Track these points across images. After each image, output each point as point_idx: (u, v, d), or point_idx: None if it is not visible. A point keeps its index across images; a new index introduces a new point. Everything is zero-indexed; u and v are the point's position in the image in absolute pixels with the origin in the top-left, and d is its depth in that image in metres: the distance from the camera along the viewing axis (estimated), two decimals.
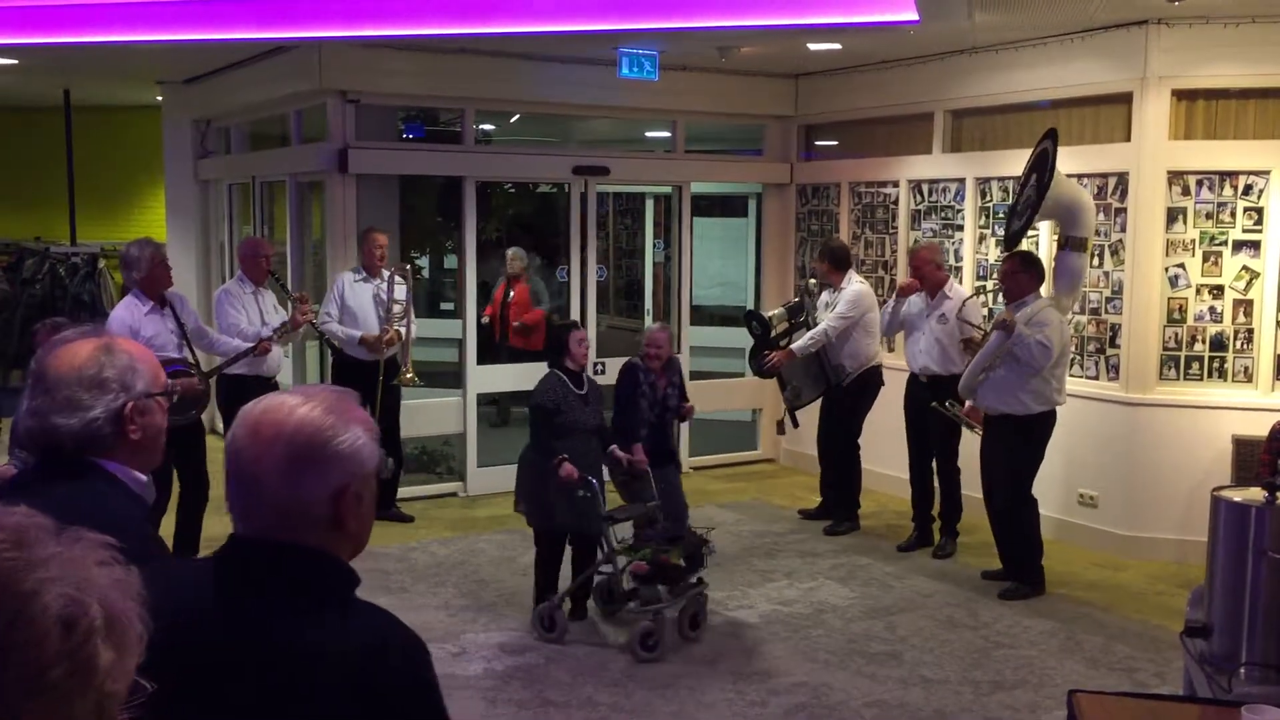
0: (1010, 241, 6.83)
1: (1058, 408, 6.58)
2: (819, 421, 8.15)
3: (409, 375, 7.71)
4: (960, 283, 8.18)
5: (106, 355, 2.23)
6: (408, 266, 7.94)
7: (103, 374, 2.20)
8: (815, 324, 7.79)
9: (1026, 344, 6.32)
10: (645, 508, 6.12)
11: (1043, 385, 6.46)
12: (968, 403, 6.93)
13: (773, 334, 7.91)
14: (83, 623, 0.92)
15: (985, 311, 7.54)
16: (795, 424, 8.15)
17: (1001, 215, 7.79)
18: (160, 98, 11.10)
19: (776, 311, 8.10)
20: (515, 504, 6.29)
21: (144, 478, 2.26)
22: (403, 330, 7.70)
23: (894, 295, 7.65)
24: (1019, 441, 6.56)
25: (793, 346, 7.72)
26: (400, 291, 7.76)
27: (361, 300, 7.75)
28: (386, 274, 7.81)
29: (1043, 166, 6.61)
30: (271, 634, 1.64)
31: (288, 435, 1.71)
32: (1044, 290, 6.77)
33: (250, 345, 6.92)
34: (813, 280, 7.98)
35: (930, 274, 7.38)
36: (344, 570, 1.75)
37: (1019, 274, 6.61)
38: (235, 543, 1.74)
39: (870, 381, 7.85)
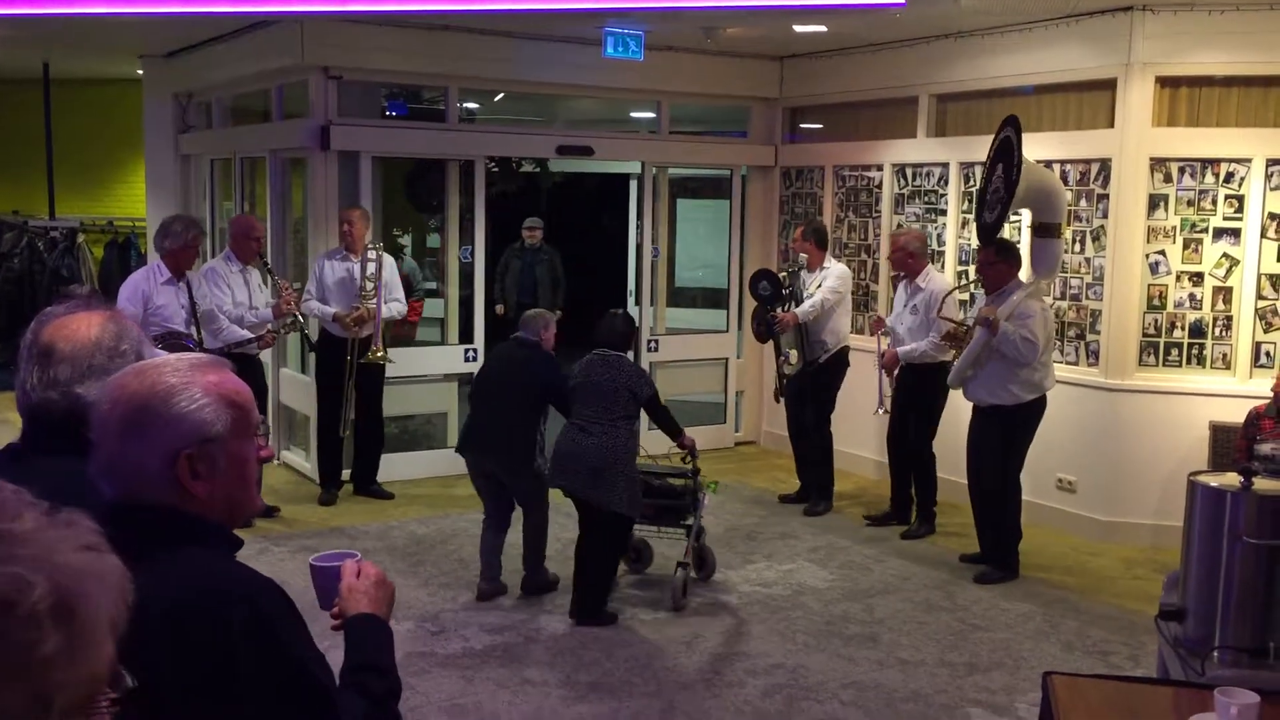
0: (987, 234, 6.80)
1: (1047, 393, 6.61)
2: (787, 405, 8.18)
3: (379, 353, 7.66)
4: (942, 268, 8.21)
5: (117, 325, 2.23)
6: (380, 244, 7.89)
7: (120, 344, 2.21)
8: (801, 299, 7.81)
9: (1012, 341, 6.34)
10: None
11: (1031, 374, 6.49)
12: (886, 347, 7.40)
13: (784, 293, 7.89)
14: (22, 605, 0.87)
15: (967, 298, 7.55)
16: (780, 398, 8.17)
17: None
18: (141, 71, 10.99)
19: (784, 275, 8.04)
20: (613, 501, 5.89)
21: None
22: (373, 308, 7.64)
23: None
24: (1009, 430, 6.58)
25: (796, 311, 7.73)
26: (372, 269, 7.71)
27: (338, 278, 7.73)
28: (372, 252, 7.79)
29: (1008, 156, 6.57)
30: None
31: (125, 398, 1.71)
32: (1024, 275, 6.78)
33: (254, 337, 7.00)
34: (803, 256, 7.98)
35: (899, 261, 7.46)
36: (198, 527, 1.73)
37: (997, 264, 6.61)
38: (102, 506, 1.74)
39: (842, 361, 7.90)
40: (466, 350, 8.94)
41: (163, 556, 1.66)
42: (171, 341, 6.38)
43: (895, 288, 8.01)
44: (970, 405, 6.81)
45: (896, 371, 7.38)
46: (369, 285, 7.68)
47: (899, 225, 8.74)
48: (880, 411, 7.44)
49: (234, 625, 1.63)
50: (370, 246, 7.76)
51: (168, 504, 1.71)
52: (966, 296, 7.61)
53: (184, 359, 1.80)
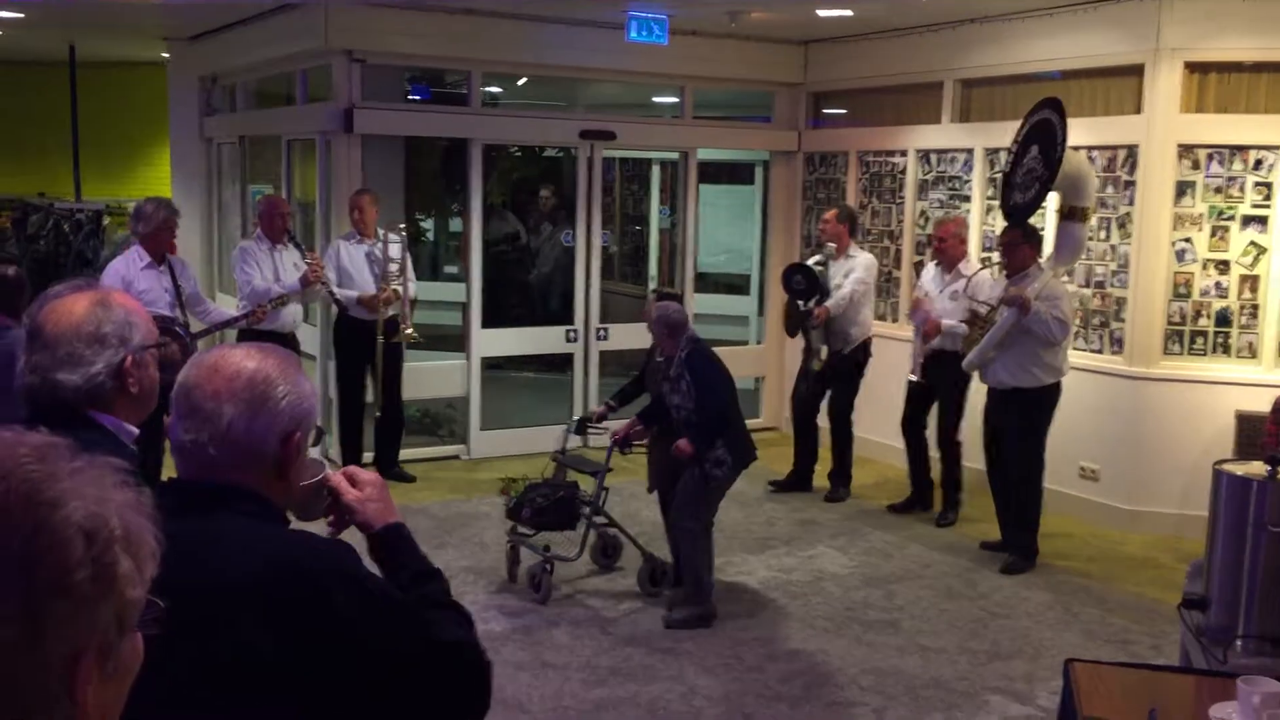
0: (1019, 215, 6.74)
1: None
2: (796, 392, 8.15)
3: (409, 332, 7.72)
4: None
5: (103, 310, 2.23)
6: (401, 226, 7.95)
7: (101, 329, 2.21)
8: (828, 291, 7.75)
9: (1044, 322, 6.29)
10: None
11: (1053, 357, 6.46)
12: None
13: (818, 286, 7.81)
14: (103, 532, 0.99)
15: (996, 277, 7.51)
16: (803, 388, 8.11)
17: None
18: (166, 54, 11.04)
19: (820, 268, 7.87)
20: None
21: (135, 430, 2.27)
22: (399, 289, 7.72)
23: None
24: (1031, 414, 6.55)
25: (827, 304, 7.68)
26: (395, 250, 7.77)
27: (356, 262, 7.77)
28: (381, 233, 7.84)
29: (1046, 138, 6.51)
30: (211, 568, 1.67)
31: (248, 375, 1.78)
32: (1042, 259, 6.73)
33: (242, 315, 6.96)
34: (831, 245, 7.92)
35: (953, 247, 7.38)
36: (268, 507, 1.80)
37: (1022, 246, 6.58)
38: (182, 483, 1.79)
39: (866, 351, 7.86)
40: (568, 331, 9.17)
41: (239, 531, 1.74)
42: (160, 326, 6.35)
43: (919, 273, 7.96)
44: (981, 393, 6.80)
45: (934, 341, 7.30)
46: (393, 267, 7.73)
47: (923, 212, 8.70)
48: (914, 377, 7.36)
49: (331, 589, 1.70)
50: (393, 229, 7.81)
51: (250, 485, 1.78)
52: (996, 277, 7.53)
53: (263, 346, 1.87)
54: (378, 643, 1.72)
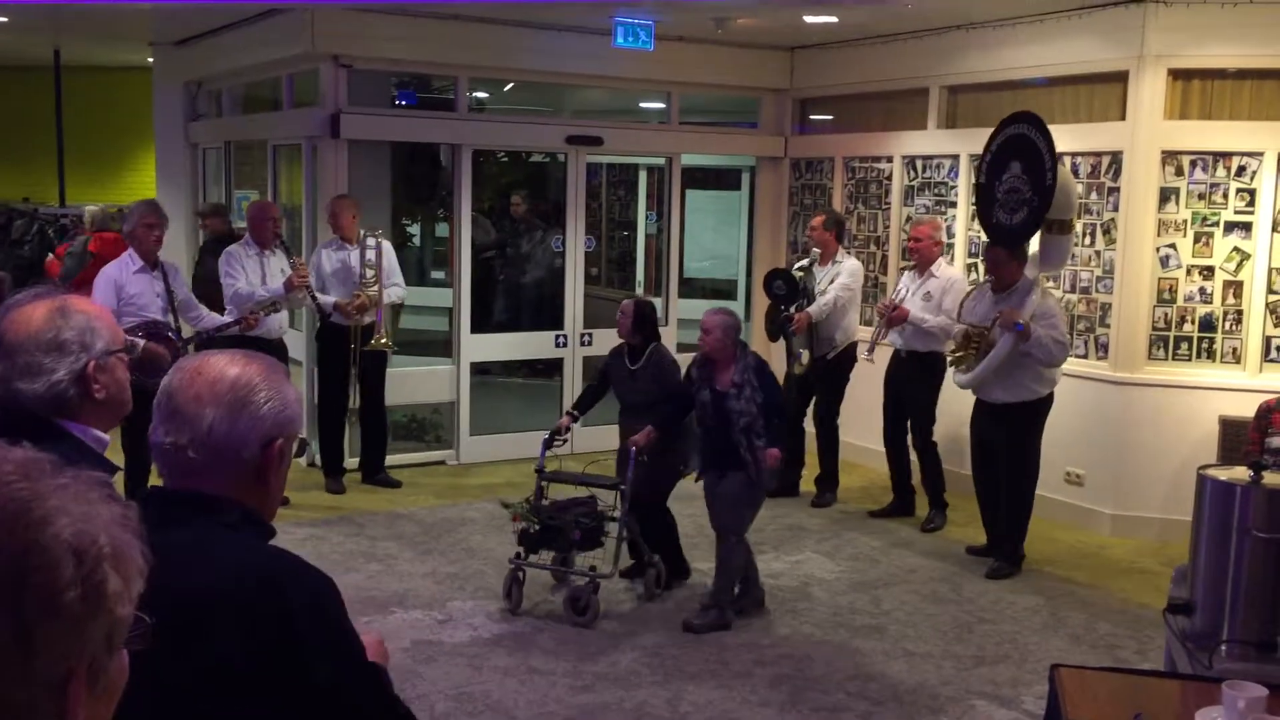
0: (1011, 241, 6.60)
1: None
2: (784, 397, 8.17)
3: (383, 340, 7.68)
4: (952, 260, 8.18)
5: (62, 317, 2.21)
6: (379, 231, 7.90)
7: (61, 336, 2.19)
8: (814, 296, 7.77)
9: (1045, 346, 6.28)
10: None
11: (1048, 370, 6.49)
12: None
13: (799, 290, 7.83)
14: (92, 550, 0.97)
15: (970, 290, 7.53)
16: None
17: None
18: (151, 59, 11.01)
19: (800, 274, 7.92)
20: None
21: (105, 437, 2.26)
22: (374, 295, 7.68)
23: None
24: (1029, 425, 6.56)
25: (809, 310, 7.69)
26: (372, 256, 7.74)
27: (336, 267, 7.77)
28: (364, 238, 7.81)
29: (1031, 157, 6.41)
30: (188, 578, 1.66)
31: (231, 379, 1.78)
32: (1028, 270, 6.72)
33: (234, 320, 6.95)
34: (817, 251, 7.94)
35: (928, 248, 7.42)
36: (249, 515, 1.80)
37: (1009, 263, 6.56)
38: (165, 493, 1.79)
39: (850, 356, 7.87)
40: (558, 336, 9.21)
41: (217, 541, 1.73)
42: (153, 331, 6.27)
43: (899, 276, 7.98)
44: (965, 397, 6.80)
45: (899, 329, 7.36)
46: (369, 273, 7.71)
47: (909, 218, 8.72)
48: (867, 356, 7.45)
49: (296, 608, 1.70)
50: (370, 234, 7.78)
51: (230, 494, 1.77)
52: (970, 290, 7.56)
53: (250, 353, 1.87)
54: (327, 674, 1.71)
